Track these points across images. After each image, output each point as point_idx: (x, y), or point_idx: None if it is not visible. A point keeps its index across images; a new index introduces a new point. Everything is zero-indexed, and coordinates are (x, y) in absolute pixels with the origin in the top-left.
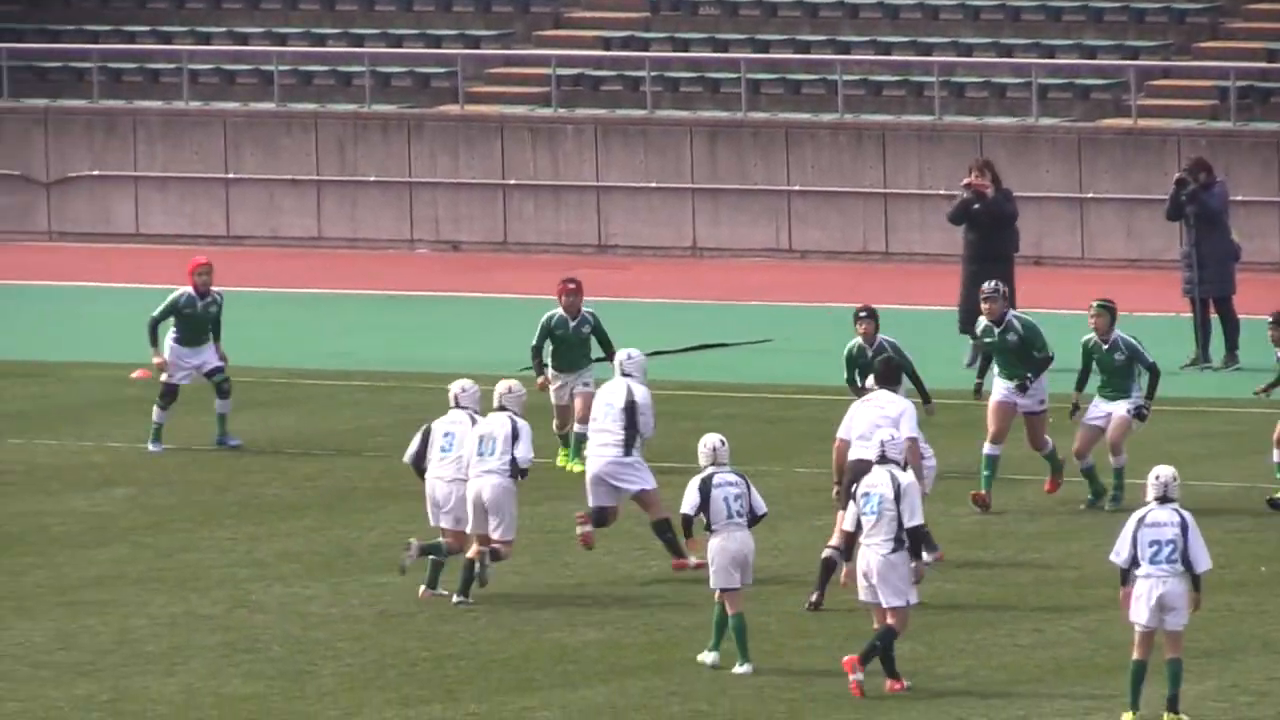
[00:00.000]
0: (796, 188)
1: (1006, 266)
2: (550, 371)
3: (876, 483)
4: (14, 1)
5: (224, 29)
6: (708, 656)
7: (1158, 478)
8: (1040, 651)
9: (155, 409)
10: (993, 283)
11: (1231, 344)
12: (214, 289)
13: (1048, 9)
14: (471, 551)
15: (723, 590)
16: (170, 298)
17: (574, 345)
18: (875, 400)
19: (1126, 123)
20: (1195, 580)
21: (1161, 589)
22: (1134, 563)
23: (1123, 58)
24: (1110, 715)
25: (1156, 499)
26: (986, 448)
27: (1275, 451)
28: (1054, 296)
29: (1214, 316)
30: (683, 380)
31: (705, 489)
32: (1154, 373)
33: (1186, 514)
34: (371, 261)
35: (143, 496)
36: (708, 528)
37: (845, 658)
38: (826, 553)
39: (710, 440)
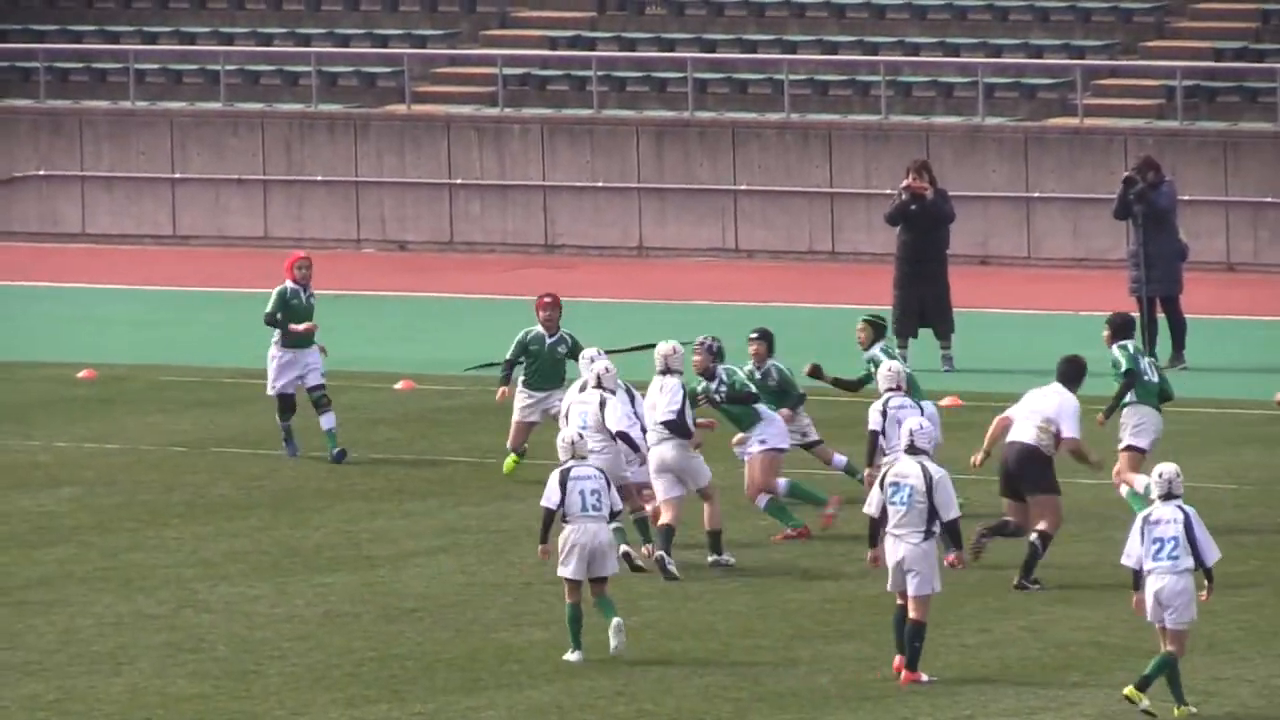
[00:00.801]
0: (742, 187)
1: (940, 266)
2: (521, 389)
3: (907, 473)
4: None
5: (171, 29)
6: (572, 655)
7: (1161, 475)
8: (986, 651)
9: (280, 422)
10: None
11: (1178, 344)
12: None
13: (994, 8)
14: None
15: (566, 580)
16: (276, 292)
17: (549, 364)
18: (1047, 390)
19: (1073, 122)
20: (1207, 573)
21: (1159, 584)
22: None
23: (1069, 57)
24: (1057, 714)
25: (1160, 496)
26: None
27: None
28: (1000, 296)
29: (1161, 316)
30: (629, 380)
31: (563, 482)
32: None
33: (1189, 510)
34: (318, 261)
35: (88, 496)
36: (564, 519)
37: (902, 677)
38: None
39: (568, 434)
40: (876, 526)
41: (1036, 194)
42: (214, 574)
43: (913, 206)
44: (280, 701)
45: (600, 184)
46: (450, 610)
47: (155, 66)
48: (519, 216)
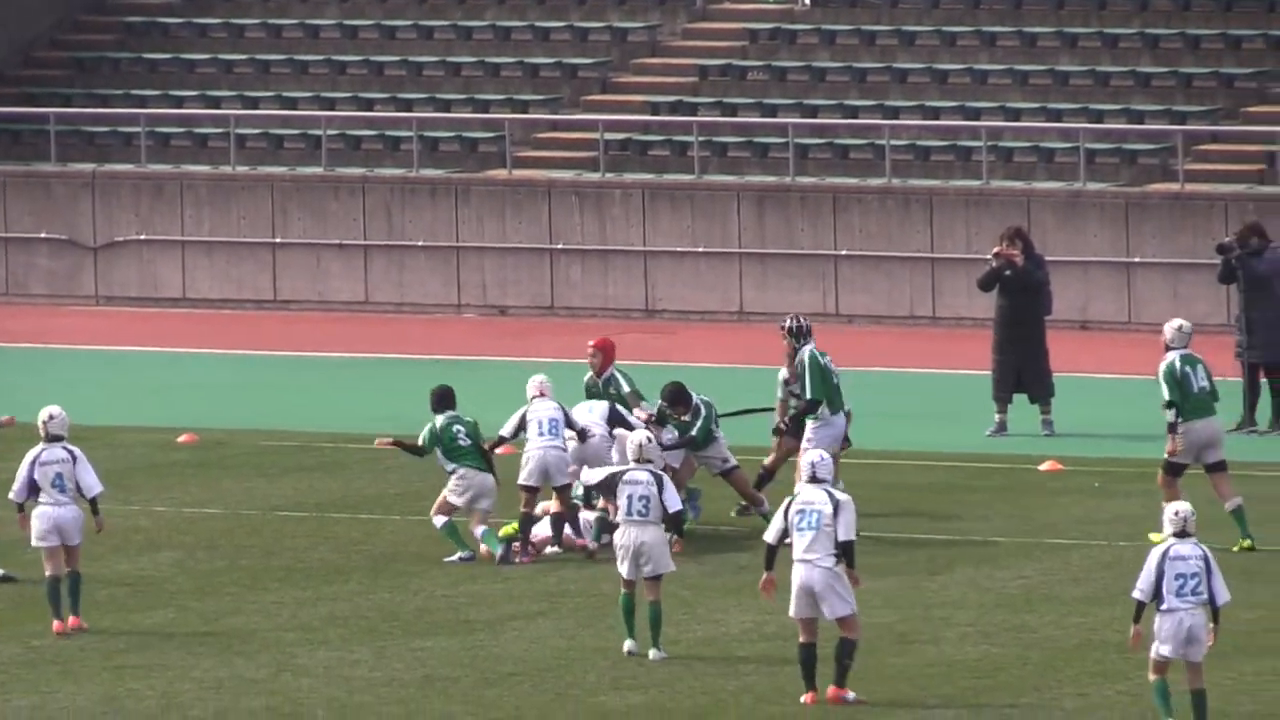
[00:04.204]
0: (843, 252)
1: (1037, 331)
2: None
3: (813, 499)
4: (62, 67)
5: (272, 94)
6: (626, 644)
7: (1177, 513)
8: (1084, 716)
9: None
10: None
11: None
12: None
13: (1095, 74)
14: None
15: (624, 579)
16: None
17: None
18: None
19: (1174, 187)
20: (1215, 613)
21: (1190, 621)
22: (1156, 596)
23: (1170, 122)
24: None
25: (1175, 534)
26: None
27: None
28: (1100, 361)
29: (1264, 381)
30: (730, 445)
31: (612, 483)
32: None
33: (1206, 549)
34: (419, 326)
35: (188, 560)
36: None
37: (829, 693)
38: None
39: (637, 437)
40: (773, 552)
41: (1137, 259)
42: (313, 638)
43: (1006, 272)
44: None
45: (701, 249)
46: (549, 674)
47: (256, 131)
48: (620, 281)
